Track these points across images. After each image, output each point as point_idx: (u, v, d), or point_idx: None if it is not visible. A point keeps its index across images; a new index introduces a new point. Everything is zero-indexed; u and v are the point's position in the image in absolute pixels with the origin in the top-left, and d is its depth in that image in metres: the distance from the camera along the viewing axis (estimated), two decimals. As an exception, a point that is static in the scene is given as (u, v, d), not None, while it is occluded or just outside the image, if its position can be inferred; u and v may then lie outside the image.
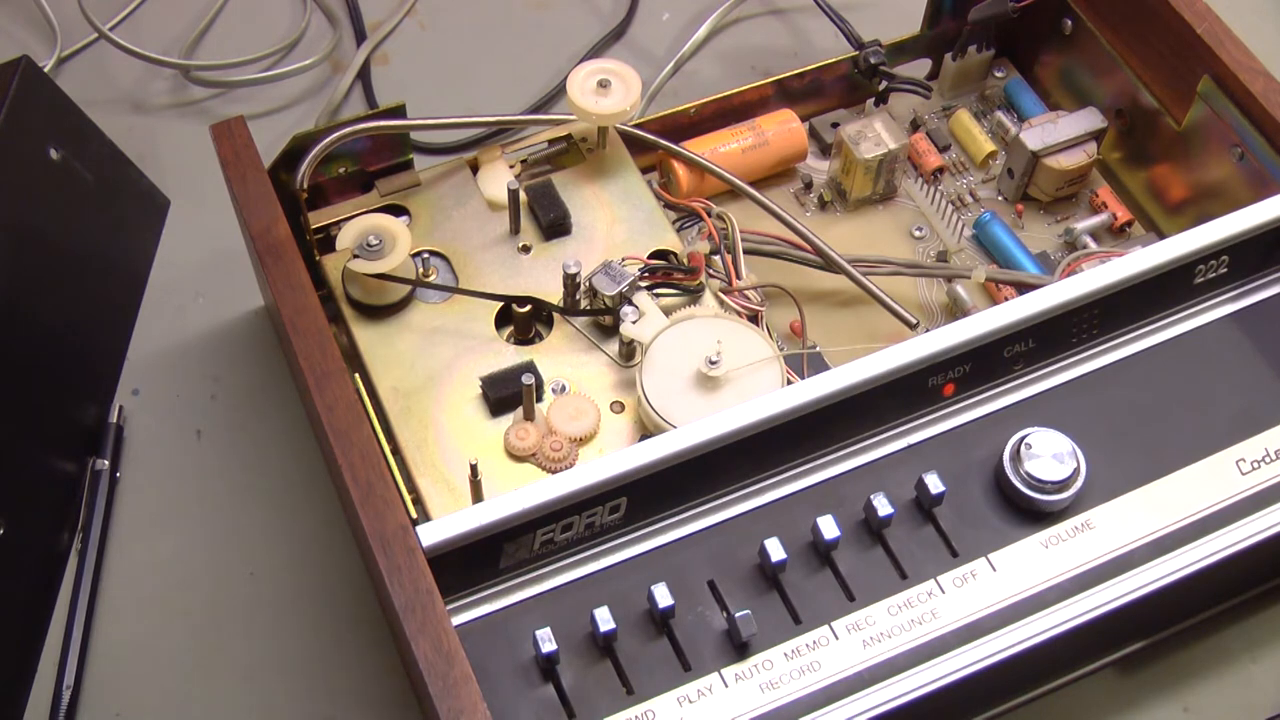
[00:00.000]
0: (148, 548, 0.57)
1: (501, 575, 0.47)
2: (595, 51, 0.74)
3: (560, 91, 0.72)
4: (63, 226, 0.60)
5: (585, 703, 0.45)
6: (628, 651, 0.46)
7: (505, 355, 0.54)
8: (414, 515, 0.46)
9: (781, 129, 0.63)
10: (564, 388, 0.53)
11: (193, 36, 0.73)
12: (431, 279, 0.56)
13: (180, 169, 0.68)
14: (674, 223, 0.59)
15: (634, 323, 0.53)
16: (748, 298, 0.56)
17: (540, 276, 0.56)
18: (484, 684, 0.43)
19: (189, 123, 0.71)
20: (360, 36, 0.74)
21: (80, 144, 0.62)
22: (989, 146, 0.66)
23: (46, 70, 0.69)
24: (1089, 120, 0.63)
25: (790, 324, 0.59)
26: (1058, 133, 0.63)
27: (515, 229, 0.57)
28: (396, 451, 0.51)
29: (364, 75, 0.73)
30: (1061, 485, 0.49)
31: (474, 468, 0.49)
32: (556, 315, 0.55)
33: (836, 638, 0.47)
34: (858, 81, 0.67)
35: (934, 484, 0.49)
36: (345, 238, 0.54)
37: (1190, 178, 0.61)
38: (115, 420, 0.59)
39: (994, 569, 0.48)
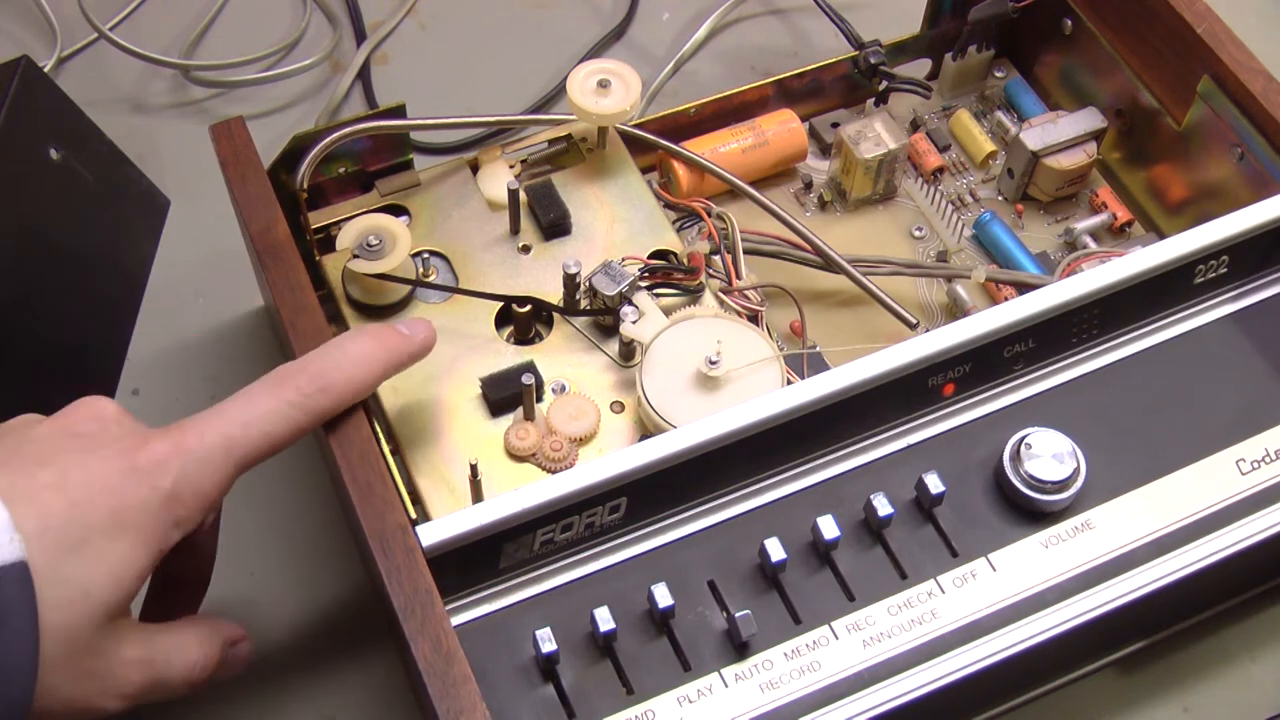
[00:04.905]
0: (148, 548, 0.57)
1: (501, 575, 0.47)
2: (595, 51, 0.74)
3: (560, 91, 0.72)
4: (63, 226, 0.60)
5: (585, 703, 0.45)
6: (628, 651, 0.46)
7: (505, 355, 0.54)
8: (413, 515, 0.46)
9: (781, 129, 0.63)
10: (564, 388, 0.53)
11: (193, 36, 0.73)
12: (431, 279, 0.56)
13: (180, 169, 0.68)
14: (674, 223, 0.59)
15: (634, 323, 0.53)
16: (748, 298, 0.56)
17: (540, 276, 0.56)
18: (484, 684, 0.43)
19: (189, 123, 0.71)
20: (360, 36, 0.74)
21: (80, 144, 0.61)
22: (989, 146, 0.66)
23: (46, 70, 0.69)
24: (1089, 120, 0.63)
25: (790, 324, 0.59)
26: (1058, 133, 0.63)
27: (515, 229, 0.57)
28: (396, 451, 0.51)
29: (364, 75, 0.73)
30: (1061, 485, 0.49)
31: (474, 468, 0.49)
32: (556, 315, 0.55)
33: (836, 638, 0.47)
34: (858, 81, 0.67)
35: (934, 484, 0.49)
36: (345, 238, 0.54)
37: (1190, 178, 0.61)
38: (115, 420, 0.59)
39: (994, 569, 0.48)
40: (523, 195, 0.57)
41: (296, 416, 0.45)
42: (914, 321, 0.57)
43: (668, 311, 0.54)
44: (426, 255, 0.56)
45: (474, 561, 0.46)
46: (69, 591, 0.39)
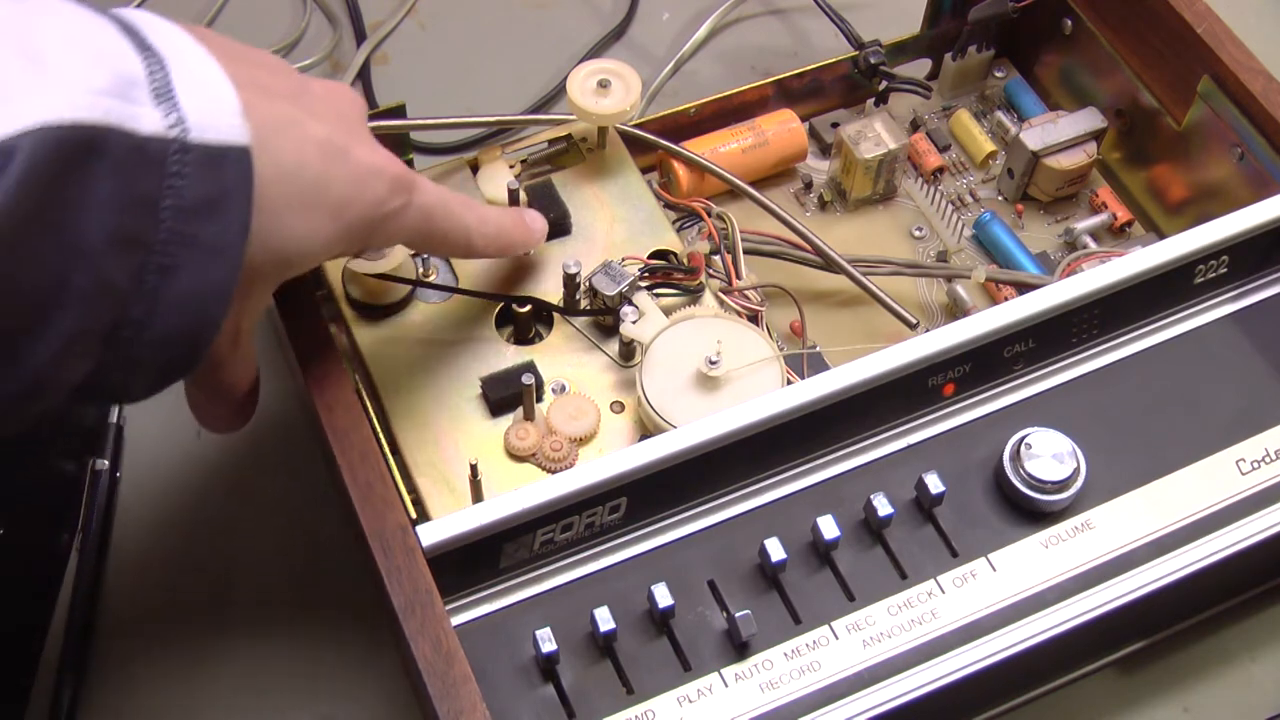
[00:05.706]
0: (148, 548, 0.57)
1: (501, 575, 0.47)
2: (595, 51, 0.74)
3: (560, 91, 0.72)
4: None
5: (585, 703, 0.45)
6: (628, 651, 0.46)
7: (505, 355, 0.54)
8: (414, 515, 0.46)
9: (781, 129, 0.63)
10: (564, 388, 0.53)
11: (193, 36, 0.73)
12: (431, 279, 0.56)
13: (180, 169, 0.68)
14: (674, 223, 0.59)
15: (634, 323, 0.53)
16: (748, 298, 0.56)
17: (540, 276, 0.56)
18: (484, 684, 0.43)
19: (189, 123, 0.70)
20: (360, 36, 0.74)
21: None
22: (989, 146, 0.66)
23: (46, 70, 0.69)
24: (1089, 120, 0.63)
25: (790, 324, 0.59)
26: (1058, 133, 0.63)
27: (515, 229, 0.57)
28: (396, 451, 0.51)
29: (364, 75, 0.73)
30: (1061, 485, 0.49)
31: (474, 468, 0.49)
32: (556, 315, 0.55)
33: (836, 638, 0.47)
34: (858, 81, 0.67)
35: (934, 484, 0.49)
36: (345, 238, 0.54)
37: (1190, 178, 0.61)
38: (115, 420, 0.59)
39: (994, 569, 0.48)
40: (523, 195, 0.57)
41: (466, 239, 0.48)
42: (914, 321, 0.56)
43: (668, 311, 0.54)
44: (426, 255, 0.56)
45: (474, 561, 0.46)
46: (275, 231, 0.39)
